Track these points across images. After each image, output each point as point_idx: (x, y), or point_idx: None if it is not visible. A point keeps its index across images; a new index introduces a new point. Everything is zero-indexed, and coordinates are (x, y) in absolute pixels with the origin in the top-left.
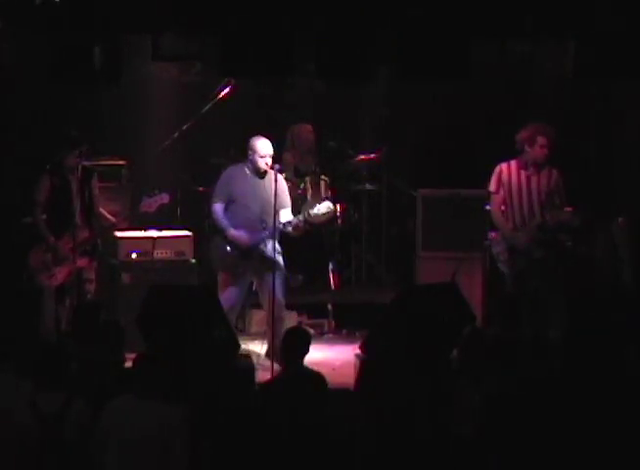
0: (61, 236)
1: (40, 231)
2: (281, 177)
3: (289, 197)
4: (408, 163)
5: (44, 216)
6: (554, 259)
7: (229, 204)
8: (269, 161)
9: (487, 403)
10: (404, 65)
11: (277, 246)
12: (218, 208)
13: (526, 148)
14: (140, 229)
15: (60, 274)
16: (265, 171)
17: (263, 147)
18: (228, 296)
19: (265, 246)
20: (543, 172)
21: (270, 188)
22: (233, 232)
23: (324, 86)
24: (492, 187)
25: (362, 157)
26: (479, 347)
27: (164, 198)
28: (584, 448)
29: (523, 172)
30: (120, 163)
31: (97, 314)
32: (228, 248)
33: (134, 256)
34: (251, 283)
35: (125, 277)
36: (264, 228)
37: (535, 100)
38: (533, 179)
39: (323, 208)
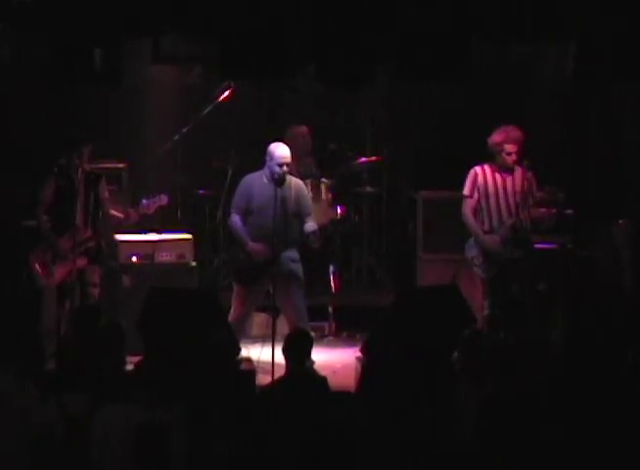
0: (61, 236)
1: (41, 230)
2: (302, 184)
3: (311, 205)
4: (409, 164)
5: (46, 217)
6: (529, 260)
7: (247, 214)
8: (286, 165)
9: (488, 406)
10: (405, 65)
11: (295, 254)
12: (237, 219)
13: (495, 154)
14: (140, 232)
15: (58, 273)
16: (283, 179)
17: (281, 153)
18: (238, 306)
19: (283, 256)
20: (517, 174)
21: (290, 196)
22: (252, 245)
23: (324, 87)
24: (466, 190)
25: (362, 159)
26: (479, 349)
27: (163, 199)
28: (585, 451)
29: (497, 175)
30: (120, 166)
31: (97, 317)
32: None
33: (134, 259)
34: (267, 291)
35: (126, 280)
36: (284, 241)
37: (536, 101)
38: (508, 181)
39: (309, 227)
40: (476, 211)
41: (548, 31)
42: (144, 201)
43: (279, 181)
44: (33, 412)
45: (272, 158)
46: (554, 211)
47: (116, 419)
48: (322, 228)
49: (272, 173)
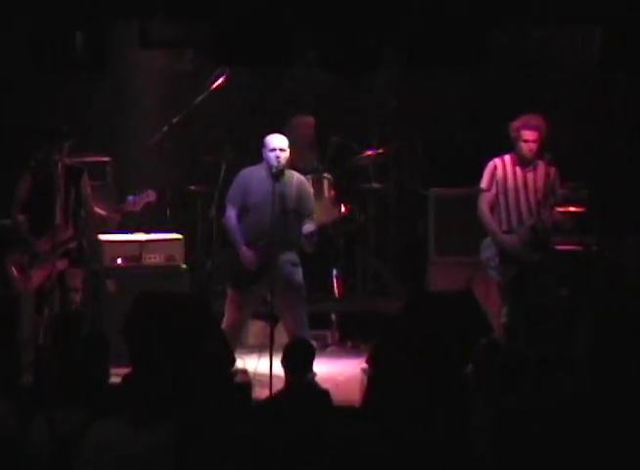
0: (40, 236)
1: (17, 231)
2: (305, 180)
3: (313, 203)
4: (419, 159)
5: (23, 216)
6: (550, 263)
7: (243, 212)
8: (282, 154)
9: (504, 424)
10: (414, 51)
11: (295, 257)
12: (232, 215)
13: (514, 142)
14: (126, 232)
15: (36, 277)
16: (282, 172)
17: (272, 140)
18: (234, 312)
19: (281, 259)
20: (539, 169)
21: (291, 193)
22: (244, 251)
23: (326, 75)
24: (484, 183)
25: (368, 152)
26: (495, 361)
27: (150, 195)
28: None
29: (518, 169)
30: (105, 159)
31: (79, 325)
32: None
33: (120, 261)
34: (264, 297)
35: (110, 285)
36: (283, 242)
37: (557, 90)
38: (529, 176)
39: (306, 228)
40: (493, 208)
41: (571, 14)
42: (130, 197)
43: (276, 174)
44: (6, 430)
45: (267, 146)
46: (575, 210)
47: (101, 438)
48: (322, 229)
49: (268, 165)
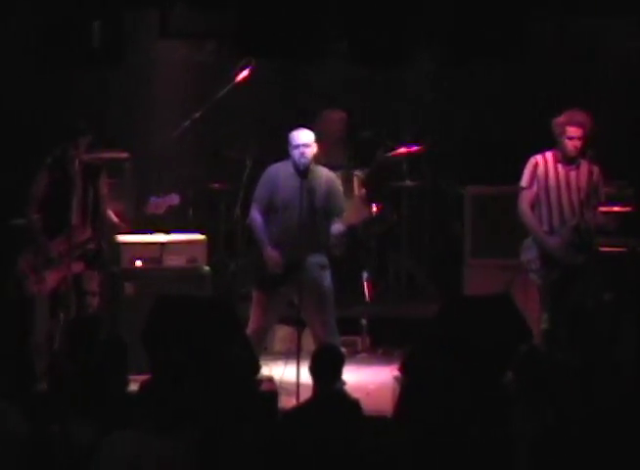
0: (55, 237)
1: (32, 231)
2: (334, 177)
3: (343, 202)
4: (455, 155)
5: (37, 215)
6: (593, 266)
7: (271, 212)
8: (306, 151)
9: (547, 437)
10: (451, 42)
11: (324, 259)
12: (257, 215)
13: (558, 138)
14: (146, 233)
15: (50, 279)
16: (310, 169)
17: (296, 136)
18: (259, 316)
19: (309, 261)
20: (582, 167)
21: (320, 190)
22: (269, 251)
23: (358, 68)
24: (524, 181)
25: (402, 149)
26: (537, 369)
27: (174, 199)
28: None
29: (560, 167)
30: (123, 156)
31: (96, 331)
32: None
33: (139, 263)
34: (291, 301)
35: (129, 288)
36: (312, 243)
37: (601, 82)
38: (572, 174)
39: (334, 229)
40: (533, 208)
41: (617, 3)
42: (152, 199)
43: (303, 171)
44: (21, 439)
45: (291, 142)
46: (620, 210)
47: (120, 447)
48: (352, 229)
49: (293, 162)
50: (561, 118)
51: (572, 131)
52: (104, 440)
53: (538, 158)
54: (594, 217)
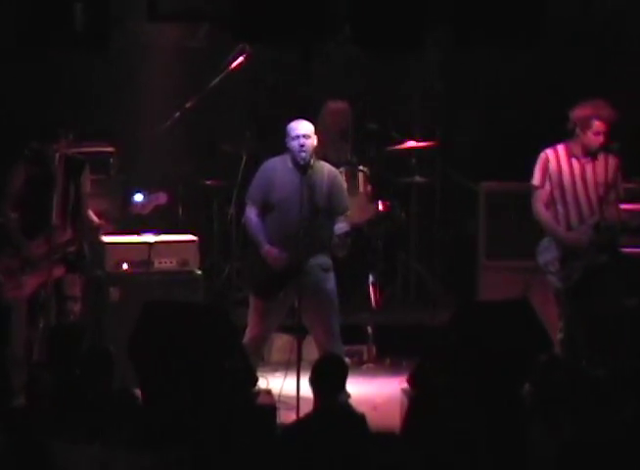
0: (33, 238)
1: (8, 231)
2: (337, 172)
3: (347, 199)
4: (468, 150)
5: (15, 215)
6: (615, 267)
7: (267, 210)
8: (306, 142)
9: (568, 454)
10: (462, 26)
11: (326, 261)
12: (252, 213)
13: (578, 131)
14: (133, 233)
15: (29, 284)
16: (310, 164)
17: (294, 126)
18: (256, 323)
19: (310, 263)
20: (599, 160)
21: (321, 187)
22: (268, 248)
23: (363, 54)
24: (536, 180)
25: (411, 143)
26: (557, 381)
27: (161, 198)
28: None
29: (574, 161)
30: (108, 150)
31: (78, 339)
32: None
33: (125, 266)
34: (292, 305)
35: (114, 293)
36: (313, 243)
37: (622, 70)
38: (588, 168)
39: (338, 228)
40: (548, 206)
41: None
42: (136, 200)
43: (303, 166)
44: None
45: (289, 133)
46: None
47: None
48: (357, 229)
49: (292, 155)
50: (586, 110)
51: (599, 126)
52: (86, 456)
53: (549, 152)
54: (615, 214)
